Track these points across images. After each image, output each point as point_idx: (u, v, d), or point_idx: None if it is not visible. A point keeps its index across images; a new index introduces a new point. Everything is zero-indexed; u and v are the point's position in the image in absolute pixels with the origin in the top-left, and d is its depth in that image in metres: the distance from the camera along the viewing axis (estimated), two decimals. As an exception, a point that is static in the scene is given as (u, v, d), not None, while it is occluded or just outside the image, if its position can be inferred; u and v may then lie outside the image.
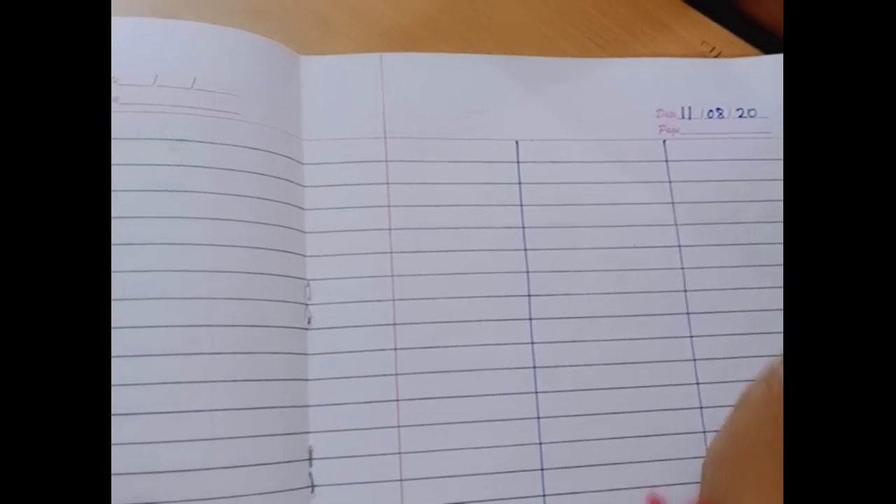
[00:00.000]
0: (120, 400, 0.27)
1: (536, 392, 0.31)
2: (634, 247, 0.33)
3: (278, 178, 0.31)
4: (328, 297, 0.31)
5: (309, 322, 0.31)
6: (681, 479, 0.31)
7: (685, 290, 0.33)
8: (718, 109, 0.36)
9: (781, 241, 0.34)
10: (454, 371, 0.31)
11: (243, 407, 0.28)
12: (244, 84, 0.31)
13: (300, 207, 0.32)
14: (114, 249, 0.28)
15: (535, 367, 0.31)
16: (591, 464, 0.31)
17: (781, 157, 0.35)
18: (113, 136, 0.29)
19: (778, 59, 0.37)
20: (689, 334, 0.33)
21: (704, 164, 0.35)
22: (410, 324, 0.31)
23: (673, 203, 0.34)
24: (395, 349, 0.31)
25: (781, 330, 0.33)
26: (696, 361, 0.32)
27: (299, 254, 0.31)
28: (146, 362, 0.28)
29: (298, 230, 0.31)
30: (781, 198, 0.35)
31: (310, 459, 0.30)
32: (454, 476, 0.30)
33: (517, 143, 0.34)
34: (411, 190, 0.33)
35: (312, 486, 0.29)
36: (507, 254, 0.33)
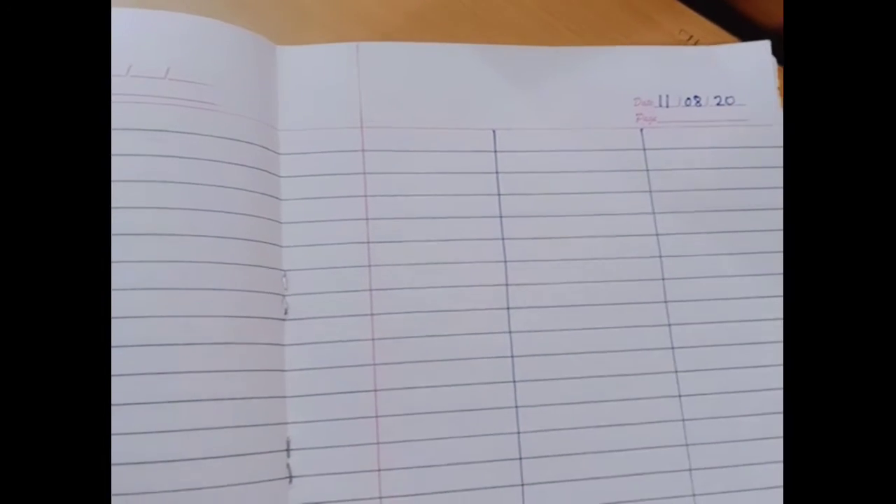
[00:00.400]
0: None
1: (514, 381, 0.31)
2: (612, 235, 0.33)
3: (254, 168, 0.31)
4: (305, 287, 0.31)
5: (286, 312, 0.31)
6: (659, 468, 0.31)
7: (663, 279, 0.33)
8: (696, 97, 0.36)
9: (759, 228, 0.34)
10: (432, 361, 0.31)
11: (221, 397, 0.28)
12: (219, 74, 0.31)
13: (276, 198, 0.32)
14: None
15: (512, 357, 0.31)
16: (569, 452, 0.31)
17: (759, 144, 0.36)
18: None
19: (755, 45, 0.37)
20: (667, 322, 0.33)
21: (682, 152, 0.35)
22: (388, 314, 0.31)
23: (650, 191, 0.34)
24: (373, 339, 0.31)
25: (759, 317, 0.33)
26: (675, 350, 0.32)
27: (276, 244, 0.31)
28: (122, 353, 0.27)
29: (275, 220, 0.31)
30: (759, 185, 0.35)
31: (287, 450, 0.29)
32: (432, 466, 0.30)
33: (494, 132, 0.34)
34: (388, 180, 0.33)
35: (290, 477, 0.29)
36: (484, 243, 0.33)
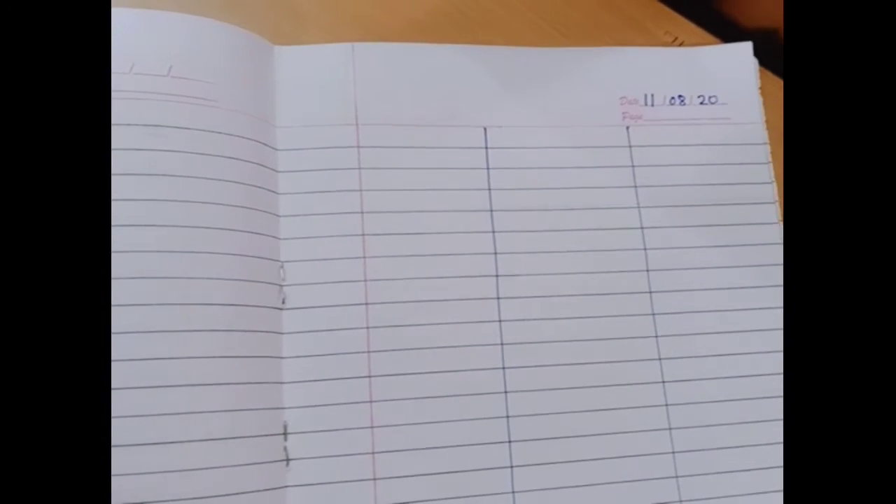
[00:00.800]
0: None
1: (504, 368, 0.32)
2: (598, 228, 0.35)
3: (253, 163, 0.32)
4: (302, 278, 0.32)
5: (283, 302, 0.32)
6: (644, 450, 0.32)
7: (647, 270, 0.34)
8: (680, 96, 0.37)
9: (741, 222, 0.35)
10: (425, 348, 0.32)
11: (220, 382, 0.29)
12: (219, 72, 0.32)
13: (274, 192, 0.33)
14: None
15: (502, 344, 0.33)
16: (557, 436, 0.32)
17: (741, 141, 0.37)
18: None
19: (738, 47, 0.38)
20: (651, 312, 0.34)
21: (666, 149, 0.36)
22: (382, 303, 0.32)
23: (636, 187, 0.36)
24: (367, 328, 0.32)
25: (741, 307, 0.34)
26: (658, 338, 0.34)
27: (273, 236, 0.32)
28: (125, 339, 0.28)
29: (272, 213, 0.32)
30: (741, 181, 0.36)
31: (284, 434, 0.30)
32: (425, 448, 0.31)
33: (485, 129, 0.35)
34: (383, 175, 0.34)
35: (287, 460, 0.30)
36: (475, 236, 0.34)
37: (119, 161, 0.30)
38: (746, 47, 0.38)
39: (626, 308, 0.34)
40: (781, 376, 0.34)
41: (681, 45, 0.39)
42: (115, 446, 0.28)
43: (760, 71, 0.38)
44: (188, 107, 0.31)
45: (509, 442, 0.32)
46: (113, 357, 0.28)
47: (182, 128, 0.31)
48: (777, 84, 0.38)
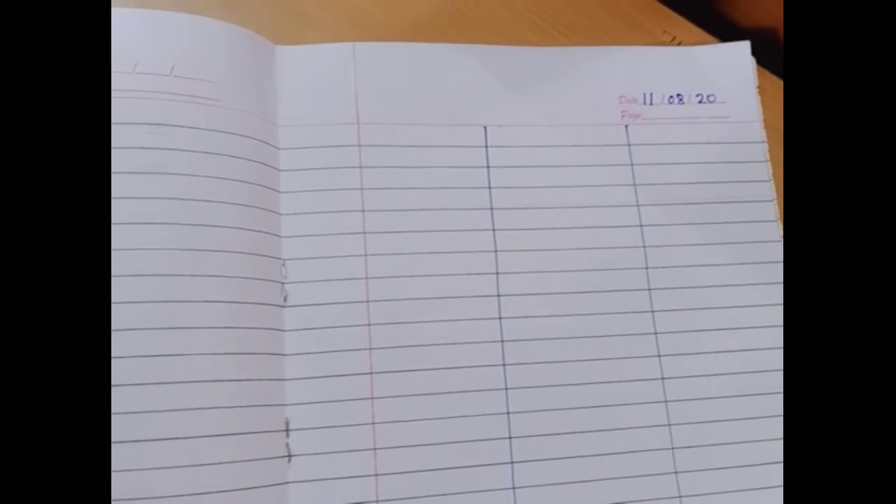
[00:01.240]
0: (103, 372, 0.28)
1: (504, 364, 0.33)
2: (598, 226, 0.35)
3: (255, 161, 0.32)
4: (304, 275, 0.32)
5: (285, 299, 0.32)
6: (644, 446, 0.32)
7: (646, 267, 0.35)
8: (679, 95, 0.37)
9: (738, 220, 0.36)
10: (425, 345, 0.32)
11: (223, 379, 0.30)
12: (222, 72, 0.33)
13: (276, 190, 0.33)
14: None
15: (502, 341, 0.33)
16: (557, 432, 0.32)
17: (739, 140, 0.37)
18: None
19: (735, 46, 0.38)
20: (650, 309, 0.34)
21: (665, 147, 0.37)
22: (383, 301, 0.33)
23: (635, 185, 0.36)
24: (369, 325, 0.32)
25: (738, 304, 0.35)
26: (657, 335, 0.34)
27: (275, 234, 0.32)
28: (128, 336, 0.29)
29: (274, 212, 0.33)
30: (738, 179, 0.36)
31: (287, 430, 0.31)
32: (426, 445, 0.31)
33: (485, 128, 0.36)
34: (383, 173, 0.34)
35: (289, 456, 0.31)
36: (475, 234, 0.34)
37: (122, 160, 0.30)
38: (744, 46, 0.38)
39: (626, 305, 0.34)
40: (780, 373, 0.34)
41: (679, 44, 0.39)
42: (119, 442, 0.28)
43: (758, 70, 0.38)
44: (191, 106, 0.32)
45: (509, 438, 0.32)
46: (117, 353, 0.28)
47: (185, 127, 0.31)
48: (775, 83, 0.39)
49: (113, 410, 0.28)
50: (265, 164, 0.33)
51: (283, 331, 0.32)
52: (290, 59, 0.35)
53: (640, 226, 0.35)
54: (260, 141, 0.33)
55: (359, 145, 0.34)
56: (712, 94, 0.38)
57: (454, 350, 0.32)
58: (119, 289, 0.29)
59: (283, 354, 0.31)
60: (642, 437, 0.33)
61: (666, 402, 0.33)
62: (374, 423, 0.31)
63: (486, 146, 0.35)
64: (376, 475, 0.31)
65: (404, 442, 0.31)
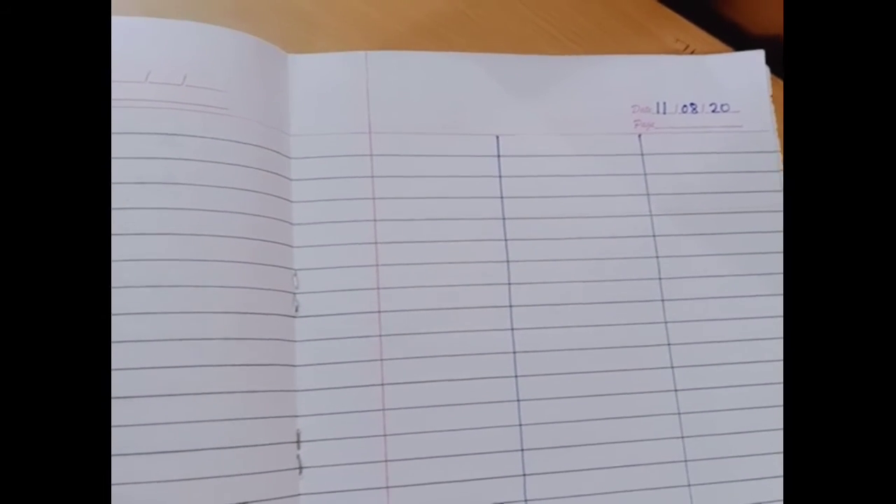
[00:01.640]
0: (114, 384, 0.28)
1: (516, 376, 0.32)
2: (610, 236, 0.35)
3: (266, 171, 0.32)
4: (315, 285, 0.32)
5: (296, 310, 0.32)
6: (657, 458, 0.32)
7: (660, 278, 0.34)
8: (692, 104, 0.37)
9: (752, 230, 0.36)
10: (437, 356, 0.32)
11: (233, 391, 0.29)
12: (233, 81, 0.33)
13: (288, 200, 0.33)
14: (108, 239, 0.29)
15: (514, 353, 0.33)
16: (569, 444, 0.32)
17: (752, 149, 0.37)
18: (106, 130, 0.30)
19: (749, 55, 0.38)
20: (663, 320, 0.34)
21: (678, 157, 0.36)
22: (394, 311, 0.32)
23: (648, 195, 0.36)
24: (380, 336, 0.32)
25: (752, 315, 0.34)
26: (671, 346, 0.34)
27: (287, 244, 0.32)
28: (140, 347, 0.29)
29: (286, 222, 0.32)
30: (752, 189, 0.36)
31: (298, 442, 0.31)
32: (437, 457, 0.31)
33: (498, 137, 0.35)
34: (395, 183, 0.34)
35: (300, 468, 0.30)
36: (487, 244, 0.34)
37: (134, 169, 0.30)
38: (758, 55, 0.38)
39: (639, 316, 0.34)
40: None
41: (692, 52, 0.39)
42: (131, 454, 0.28)
43: (772, 79, 0.38)
44: (203, 115, 0.31)
45: (522, 450, 0.32)
46: (126, 365, 0.28)
47: (197, 136, 0.31)
48: (789, 92, 0.38)
49: (122, 422, 0.28)
50: (277, 174, 0.33)
51: (295, 342, 0.31)
52: (302, 68, 0.35)
53: (654, 236, 0.35)
54: (271, 150, 0.33)
55: (371, 154, 0.34)
56: (726, 104, 0.37)
57: (466, 361, 0.32)
58: (129, 299, 0.29)
59: (295, 365, 0.31)
60: (655, 449, 0.32)
61: (679, 413, 0.33)
62: (385, 436, 0.31)
63: (499, 155, 0.35)
64: (388, 487, 0.31)
65: (416, 454, 0.31)
